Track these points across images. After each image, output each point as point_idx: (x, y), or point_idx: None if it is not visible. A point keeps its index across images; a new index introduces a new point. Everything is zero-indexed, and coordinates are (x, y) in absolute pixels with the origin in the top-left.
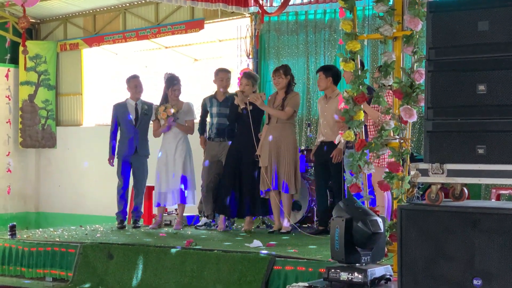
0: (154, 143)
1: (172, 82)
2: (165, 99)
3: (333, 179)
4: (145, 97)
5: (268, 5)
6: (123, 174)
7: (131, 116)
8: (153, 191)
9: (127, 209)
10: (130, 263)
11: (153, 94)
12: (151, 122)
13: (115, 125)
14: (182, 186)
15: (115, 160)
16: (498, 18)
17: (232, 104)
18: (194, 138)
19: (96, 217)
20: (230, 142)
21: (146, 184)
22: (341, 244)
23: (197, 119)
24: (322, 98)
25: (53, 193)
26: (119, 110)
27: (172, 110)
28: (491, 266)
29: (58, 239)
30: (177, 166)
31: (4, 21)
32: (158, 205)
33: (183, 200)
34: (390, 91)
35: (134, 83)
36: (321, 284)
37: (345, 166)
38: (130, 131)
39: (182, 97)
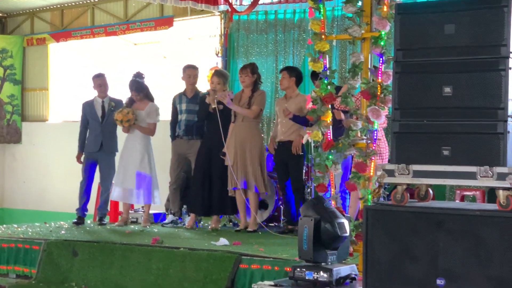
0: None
1: (130, 87)
2: (131, 100)
3: (292, 178)
4: (114, 94)
5: (238, 3)
6: (87, 171)
7: (98, 113)
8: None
9: (87, 206)
10: (95, 260)
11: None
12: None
13: (84, 122)
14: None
15: (83, 159)
16: (464, 21)
17: (203, 102)
18: (159, 138)
19: (61, 214)
20: (199, 140)
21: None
22: (309, 244)
23: (159, 121)
24: (282, 98)
25: (18, 189)
26: (87, 108)
27: (124, 118)
28: (455, 266)
29: (22, 236)
30: (138, 162)
31: None
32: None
33: (149, 200)
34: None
35: (98, 82)
36: (286, 283)
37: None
38: (97, 128)
39: (153, 94)
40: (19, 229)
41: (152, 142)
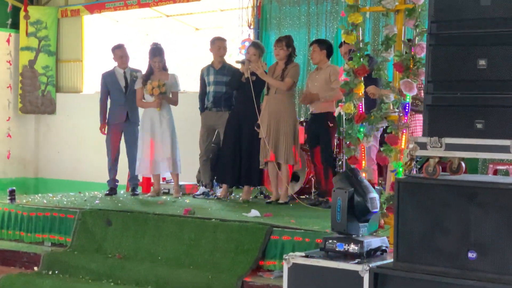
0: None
1: (153, 54)
2: (150, 70)
3: (323, 150)
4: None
5: None
6: (114, 142)
7: (121, 84)
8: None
9: (117, 177)
10: (128, 230)
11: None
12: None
13: (105, 93)
14: (173, 155)
15: (107, 129)
16: None
17: (236, 71)
18: (189, 111)
19: (95, 184)
20: (227, 111)
21: None
22: (343, 216)
23: (181, 90)
24: (314, 71)
25: (52, 159)
26: (108, 78)
27: (161, 89)
28: (486, 239)
29: (57, 205)
30: (165, 136)
31: None
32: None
33: (175, 169)
34: None
35: (119, 53)
36: (317, 254)
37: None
38: (121, 99)
39: (183, 65)
40: (54, 198)
41: (182, 114)
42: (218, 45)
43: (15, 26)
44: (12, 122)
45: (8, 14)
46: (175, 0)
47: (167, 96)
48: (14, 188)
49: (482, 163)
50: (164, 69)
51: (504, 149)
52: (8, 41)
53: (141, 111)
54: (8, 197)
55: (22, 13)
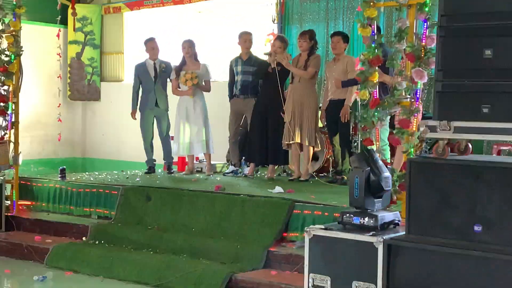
0: (171, 98)
1: (186, 46)
2: (182, 61)
3: (341, 133)
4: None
5: None
6: (146, 126)
7: (150, 74)
8: (172, 141)
9: (154, 157)
10: (166, 204)
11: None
12: (169, 80)
13: (137, 83)
14: (206, 137)
15: (138, 114)
16: None
17: (262, 62)
18: (219, 97)
19: (136, 163)
20: (253, 98)
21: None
22: (361, 193)
23: (213, 79)
24: (331, 61)
25: (98, 141)
26: (140, 69)
27: (194, 81)
28: (491, 214)
29: (102, 182)
30: (198, 121)
31: None
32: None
33: (208, 150)
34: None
35: (151, 45)
36: (336, 227)
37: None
38: (151, 87)
39: (216, 54)
40: (100, 176)
41: (213, 101)
42: (245, 38)
43: (63, 22)
44: (62, 108)
45: (57, 11)
46: None
47: (200, 84)
48: (64, 167)
49: (487, 144)
50: (196, 59)
51: (508, 131)
52: (58, 35)
53: (176, 98)
54: (59, 175)
55: (69, 11)
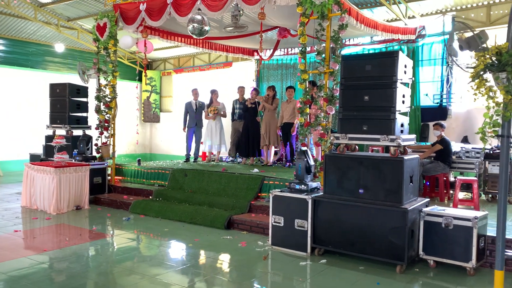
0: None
1: (212, 92)
2: (210, 101)
3: (289, 140)
4: (201, 97)
5: (264, 55)
6: (189, 136)
7: (193, 108)
8: (202, 144)
9: (190, 152)
10: (194, 178)
11: (204, 94)
12: (203, 111)
13: (186, 112)
14: (221, 142)
15: (186, 130)
16: (374, 63)
17: (245, 103)
18: (228, 121)
19: (178, 156)
20: (243, 121)
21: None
22: (302, 172)
23: (228, 110)
24: (285, 102)
25: (158, 144)
26: (188, 105)
27: (214, 112)
28: (368, 183)
29: (161, 166)
30: (217, 133)
31: (135, 60)
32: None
33: (219, 149)
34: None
35: (194, 92)
36: (286, 190)
37: (298, 135)
38: (193, 115)
39: (220, 99)
40: (159, 163)
41: (225, 123)
42: (241, 90)
43: (139, 79)
44: (139, 126)
45: (136, 74)
46: (217, 67)
47: (219, 113)
48: (140, 158)
49: (366, 146)
50: (217, 99)
51: (377, 139)
52: (136, 87)
53: (206, 121)
54: (137, 163)
55: (143, 73)
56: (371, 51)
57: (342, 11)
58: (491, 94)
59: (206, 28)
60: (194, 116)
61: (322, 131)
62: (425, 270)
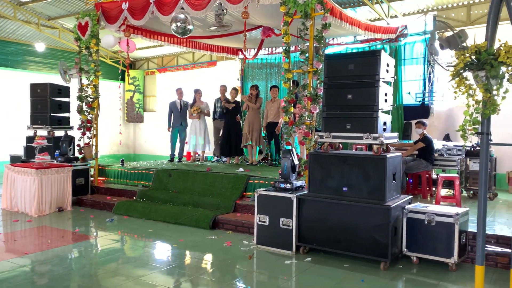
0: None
1: (195, 92)
2: (194, 100)
3: (274, 139)
4: (185, 97)
5: (248, 54)
6: (174, 136)
7: (178, 107)
8: (186, 144)
9: (174, 152)
10: (179, 178)
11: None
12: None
13: (170, 112)
14: (205, 142)
15: (171, 130)
16: (357, 62)
17: (226, 102)
18: (209, 120)
19: (162, 156)
20: (224, 120)
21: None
22: (288, 171)
23: (211, 109)
24: (269, 101)
25: (142, 144)
26: (172, 104)
27: (197, 111)
28: (352, 181)
29: (144, 167)
30: (201, 133)
31: (117, 60)
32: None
33: (204, 148)
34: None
35: (179, 91)
36: (271, 189)
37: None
38: (178, 115)
39: (205, 98)
40: (143, 163)
41: (208, 122)
42: (222, 89)
43: (122, 79)
44: (122, 126)
45: (119, 73)
46: (201, 66)
47: (203, 112)
48: (123, 158)
49: (350, 144)
50: (201, 99)
51: (360, 138)
52: (119, 86)
53: (190, 121)
54: (120, 163)
55: (126, 73)
56: (354, 50)
57: (325, 10)
58: (470, 92)
59: (190, 27)
60: (178, 116)
61: (306, 130)
62: (408, 267)
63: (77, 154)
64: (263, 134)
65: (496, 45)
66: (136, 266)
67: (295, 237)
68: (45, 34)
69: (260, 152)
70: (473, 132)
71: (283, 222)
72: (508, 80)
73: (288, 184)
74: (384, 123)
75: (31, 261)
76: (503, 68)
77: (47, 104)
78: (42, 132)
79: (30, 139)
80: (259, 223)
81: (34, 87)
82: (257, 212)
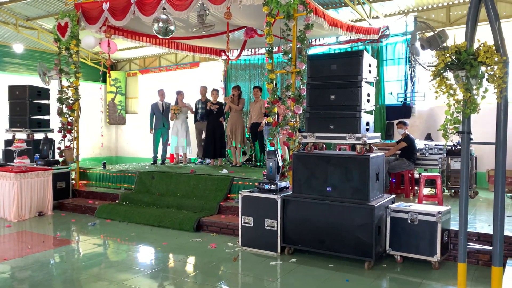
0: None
1: (177, 93)
2: (176, 102)
3: (259, 140)
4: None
5: (231, 55)
6: (156, 137)
7: (160, 109)
8: (169, 146)
9: (157, 155)
10: (162, 181)
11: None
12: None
13: (152, 113)
14: (187, 143)
15: (153, 132)
16: (340, 63)
17: (206, 104)
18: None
19: (145, 158)
20: (206, 122)
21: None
22: (273, 172)
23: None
24: (253, 102)
25: (124, 146)
26: (154, 106)
27: (177, 111)
28: (335, 181)
29: (127, 169)
30: (183, 134)
31: (98, 61)
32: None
33: (186, 150)
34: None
35: (161, 93)
36: (255, 190)
37: (265, 135)
38: (160, 116)
39: (188, 100)
40: (125, 166)
41: (190, 124)
42: (203, 89)
43: (103, 81)
44: (104, 128)
45: (100, 75)
46: (184, 67)
47: (187, 109)
48: (105, 161)
49: (333, 145)
50: (183, 100)
51: (343, 138)
52: (100, 88)
53: (172, 122)
54: (102, 166)
55: (107, 74)
56: (336, 51)
57: (307, 11)
58: (451, 92)
59: (172, 27)
60: (161, 118)
61: (290, 131)
62: (392, 266)
63: (57, 157)
64: (247, 136)
65: (475, 45)
66: (119, 270)
67: (280, 238)
68: (23, 35)
69: (244, 153)
70: (454, 131)
71: (267, 223)
72: (487, 79)
73: (272, 185)
74: (367, 123)
75: (11, 267)
76: (483, 68)
77: (26, 107)
78: (21, 135)
79: (8, 142)
80: (243, 224)
81: (13, 89)
82: (241, 213)
